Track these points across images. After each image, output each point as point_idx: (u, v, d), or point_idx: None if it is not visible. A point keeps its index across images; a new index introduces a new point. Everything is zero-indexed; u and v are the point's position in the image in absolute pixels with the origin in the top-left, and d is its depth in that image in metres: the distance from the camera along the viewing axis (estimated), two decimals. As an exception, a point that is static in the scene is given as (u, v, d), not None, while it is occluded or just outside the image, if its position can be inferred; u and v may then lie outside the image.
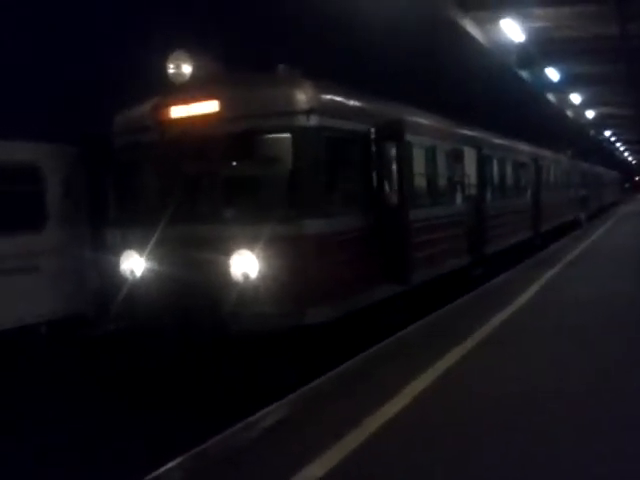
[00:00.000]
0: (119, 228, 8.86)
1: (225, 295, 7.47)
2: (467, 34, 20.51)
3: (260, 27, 10.80)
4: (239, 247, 7.41)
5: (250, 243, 7.38)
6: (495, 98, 24.83)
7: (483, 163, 14.73)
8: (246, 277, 7.44)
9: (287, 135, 7.57)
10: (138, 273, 8.26)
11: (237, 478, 4.86)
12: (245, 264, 7.42)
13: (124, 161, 8.75)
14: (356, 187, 8.63)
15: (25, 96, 10.74)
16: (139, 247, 8.24)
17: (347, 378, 7.06)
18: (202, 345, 7.71)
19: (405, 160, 9.85)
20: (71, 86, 10.77)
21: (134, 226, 8.46)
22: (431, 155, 11.34)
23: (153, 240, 8.08)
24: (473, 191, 14.11)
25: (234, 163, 7.94)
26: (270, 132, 7.57)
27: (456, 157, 12.84)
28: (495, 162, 15.87)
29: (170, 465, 5.16)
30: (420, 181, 10.78)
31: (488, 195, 15.09)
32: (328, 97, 8.07)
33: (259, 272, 7.43)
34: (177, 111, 7.96)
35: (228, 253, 7.45)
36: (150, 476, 5.02)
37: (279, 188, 7.69)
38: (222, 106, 7.69)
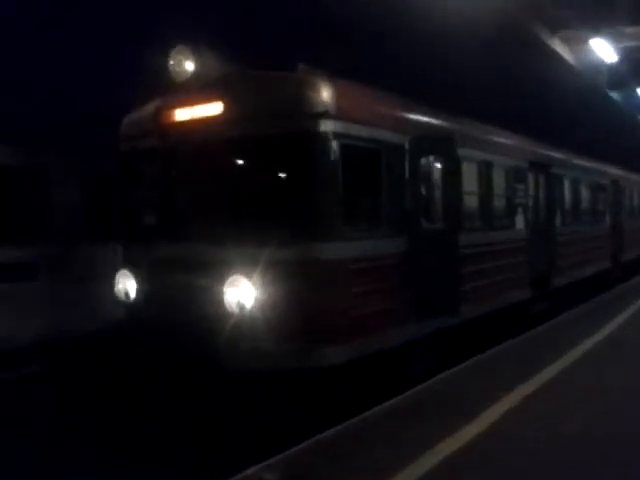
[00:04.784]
0: (120, 243, 8.00)
1: (219, 327, 6.37)
2: (555, 53, 19.25)
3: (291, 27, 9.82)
4: (234, 272, 6.30)
5: (247, 268, 6.25)
6: (580, 117, 23.16)
7: (552, 183, 13.07)
8: (242, 307, 6.32)
9: (296, 142, 6.41)
10: (132, 295, 7.32)
11: None
12: (240, 292, 6.30)
13: (126, 170, 7.87)
14: (385, 207, 7.30)
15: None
16: (133, 266, 7.33)
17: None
18: (195, 379, 6.65)
19: (452, 177, 8.52)
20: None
21: (130, 242, 7.59)
22: (486, 172, 9.90)
23: (146, 259, 7.15)
24: (539, 214, 12.49)
25: (234, 174, 6.83)
26: (276, 138, 6.39)
27: (518, 175, 11.31)
28: (567, 183, 14.13)
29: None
30: (471, 201, 9.35)
31: (557, 219, 13.37)
32: (348, 99, 6.85)
33: (257, 302, 6.29)
34: (175, 114, 6.99)
35: (222, 278, 6.36)
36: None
37: (285, 204, 6.50)
38: (223, 109, 6.64)
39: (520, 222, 11.41)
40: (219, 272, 6.37)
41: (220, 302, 6.36)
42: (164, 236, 6.99)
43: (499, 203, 10.36)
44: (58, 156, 10.01)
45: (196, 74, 6.93)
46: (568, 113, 22.16)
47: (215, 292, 6.38)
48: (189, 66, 6.97)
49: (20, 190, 9.60)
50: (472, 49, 15.03)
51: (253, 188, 6.62)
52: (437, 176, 8.27)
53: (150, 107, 7.42)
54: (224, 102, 6.66)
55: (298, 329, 6.28)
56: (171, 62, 7.03)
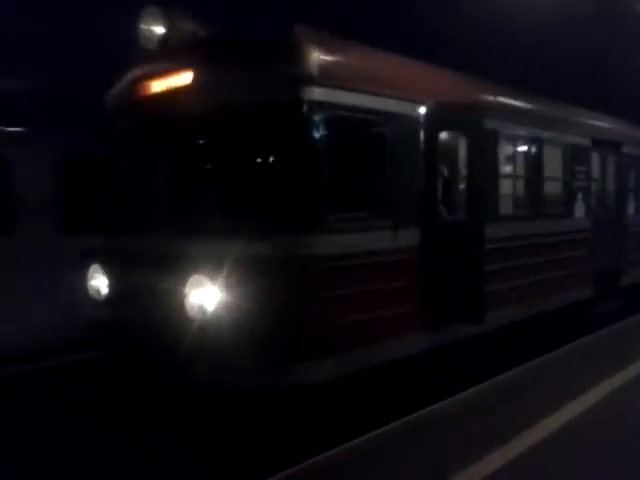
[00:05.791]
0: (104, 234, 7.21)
1: (181, 335, 5.42)
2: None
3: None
4: (196, 271, 5.32)
5: (211, 266, 5.26)
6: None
7: (624, 165, 11.32)
8: (204, 313, 5.33)
9: (272, 113, 5.32)
10: (102, 292, 6.50)
11: None
12: (203, 295, 5.31)
13: (109, 151, 7.03)
14: (390, 193, 6.10)
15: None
16: (106, 259, 6.51)
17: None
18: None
19: (482, 156, 7.17)
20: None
21: (107, 232, 6.77)
22: (532, 151, 8.44)
23: (116, 252, 6.32)
24: (606, 201, 10.83)
25: (200, 153, 5.79)
26: (248, 110, 5.31)
27: (578, 155, 9.72)
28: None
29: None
30: (508, 186, 7.95)
31: (630, 207, 11.61)
32: (341, 62, 5.66)
33: (223, 307, 5.28)
34: (142, 87, 6.03)
35: (184, 278, 5.39)
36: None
37: (258, 188, 5.41)
38: (192, 79, 5.62)
39: (580, 210, 9.83)
40: (181, 270, 5.40)
41: (181, 306, 5.39)
42: (132, 226, 6.13)
43: (550, 188, 8.84)
44: None
45: (167, 39, 5.98)
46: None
47: (177, 294, 5.42)
48: (160, 30, 6.03)
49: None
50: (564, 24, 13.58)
51: (221, 169, 5.59)
52: (463, 156, 6.94)
53: (125, 79, 6.54)
54: (193, 71, 5.65)
55: (272, 340, 5.23)
56: (141, 26, 6.11)
